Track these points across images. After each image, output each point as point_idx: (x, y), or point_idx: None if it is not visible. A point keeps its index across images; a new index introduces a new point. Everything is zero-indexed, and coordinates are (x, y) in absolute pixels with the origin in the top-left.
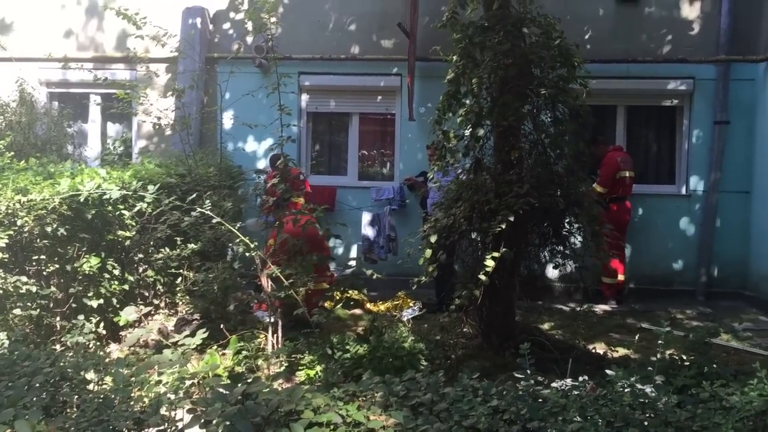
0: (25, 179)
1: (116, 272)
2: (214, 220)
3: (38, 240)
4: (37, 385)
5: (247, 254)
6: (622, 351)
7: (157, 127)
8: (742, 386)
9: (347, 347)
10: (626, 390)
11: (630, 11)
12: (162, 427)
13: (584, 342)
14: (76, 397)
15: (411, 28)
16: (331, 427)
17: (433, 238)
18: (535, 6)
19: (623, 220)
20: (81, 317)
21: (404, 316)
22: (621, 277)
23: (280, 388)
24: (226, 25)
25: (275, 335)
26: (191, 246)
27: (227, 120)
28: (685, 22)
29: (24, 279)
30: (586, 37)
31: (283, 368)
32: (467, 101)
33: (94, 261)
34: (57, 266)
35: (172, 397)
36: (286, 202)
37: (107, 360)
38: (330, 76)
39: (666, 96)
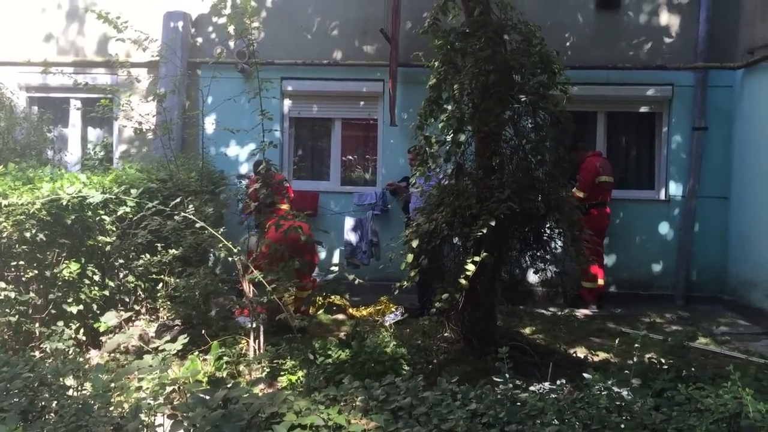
0: (4, 184)
1: (96, 278)
2: (197, 225)
3: (17, 245)
4: (16, 390)
5: (230, 259)
6: (602, 355)
7: (138, 132)
8: (717, 389)
9: (329, 352)
10: (603, 393)
11: (610, 18)
12: None
13: (565, 346)
14: (55, 402)
15: (393, 33)
16: (313, 430)
17: (414, 243)
18: (516, 13)
19: (603, 225)
20: (60, 323)
21: (387, 321)
22: (601, 281)
23: (261, 393)
24: (208, 30)
25: (257, 341)
26: (172, 251)
27: (209, 125)
28: (664, 29)
29: (2, 285)
30: (567, 44)
31: (264, 374)
32: (449, 107)
33: (74, 267)
34: (36, 272)
35: (152, 402)
36: (269, 207)
37: (87, 366)
38: (312, 82)
39: (645, 102)
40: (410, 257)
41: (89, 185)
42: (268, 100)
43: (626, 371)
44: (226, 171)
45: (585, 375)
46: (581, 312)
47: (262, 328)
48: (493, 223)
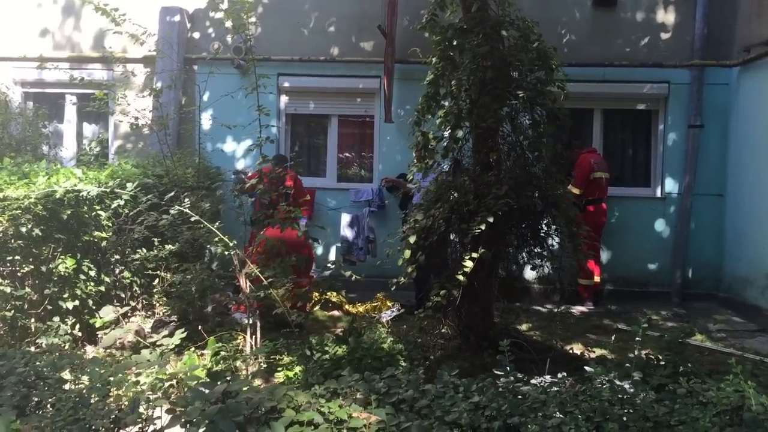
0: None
1: (92, 273)
2: (192, 218)
3: (12, 240)
4: (11, 384)
5: (226, 254)
6: (599, 351)
7: (134, 127)
8: (719, 382)
9: (326, 348)
10: (605, 386)
11: (606, 15)
12: (140, 426)
13: (562, 343)
14: (52, 396)
15: (389, 30)
16: (313, 426)
17: (412, 239)
18: (514, 9)
19: (599, 221)
20: (56, 319)
21: (383, 317)
22: (597, 278)
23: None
24: (205, 25)
25: (253, 336)
26: (168, 247)
27: (205, 121)
28: (661, 26)
29: None
30: (563, 40)
31: (261, 369)
32: (446, 103)
33: (70, 262)
34: (32, 267)
35: (151, 396)
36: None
37: (83, 360)
38: (309, 78)
39: (642, 100)
40: (408, 253)
41: (85, 180)
42: (264, 96)
43: (627, 365)
44: (222, 167)
45: (586, 368)
46: (577, 309)
47: (258, 324)
48: (491, 220)
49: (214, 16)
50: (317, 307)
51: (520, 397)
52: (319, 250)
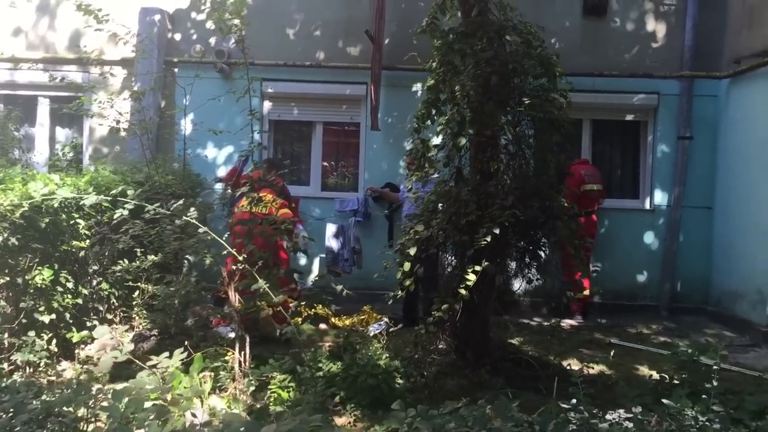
0: None
1: (69, 285)
2: (200, 230)
3: None
4: (21, 425)
5: (215, 267)
6: (597, 368)
7: (116, 131)
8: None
9: (320, 365)
10: (690, 422)
11: (596, 25)
12: None
13: (557, 358)
14: None
15: (377, 35)
16: None
17: (412, 251)
18: (516, 14)
19: (590, 234)
20: (32, 333)
21: (371, 331)
22: (587, 291)
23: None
24: (186, 26)
25: (242, 352)
26: (151, 257)
27: (186, 126)
28: (651, 37)
29: None
30: (553, 49)
31: (252, 388)
32: (446, 109)
33: (47, 273)
34: (8, 279)
35: None
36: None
37: (100, 395)
38: (294, 83)
39: (631, 110)
40: (407, 266)
41: (62, 186)
42: (245, 101)
43: (704, 396)
44: (202, 174)
45: (664, 401)
46: (567, 322)
47: (248, 339)
48: (497, 231)
49: (195, 17)
50: (304, 321)
51: None
52: (302, 261)
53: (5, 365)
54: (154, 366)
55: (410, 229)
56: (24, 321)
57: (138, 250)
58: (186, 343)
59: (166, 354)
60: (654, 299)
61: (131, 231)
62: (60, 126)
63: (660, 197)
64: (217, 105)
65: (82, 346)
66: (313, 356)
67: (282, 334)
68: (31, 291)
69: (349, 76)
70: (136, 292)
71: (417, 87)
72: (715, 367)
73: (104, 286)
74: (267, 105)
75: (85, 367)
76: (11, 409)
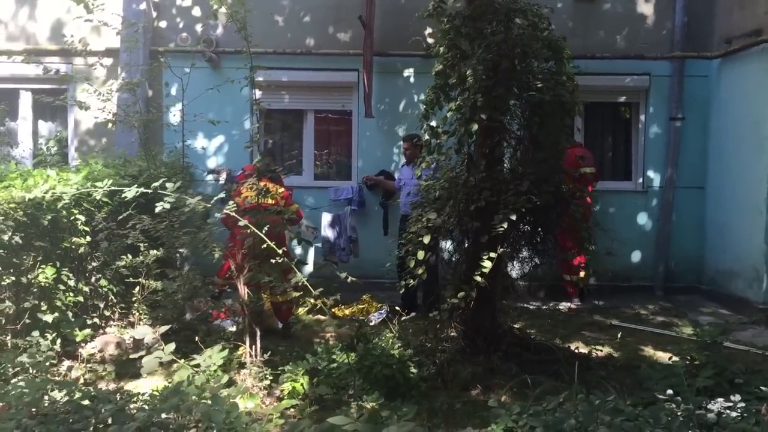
0: None
1: (71, 283)
2: (241, 223)
3: None
4: None
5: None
6: (605, 350)
7: (106, 124)
8: None
9: (333, 357)
10: None
11: (587, 7)
12: None
13: (562, 341)
14: None
15: (368, 21)
16: None
17: (426, 239)
18: None
19: (586, 216)
20: (35, 333)
21: (372, 319)
22: (582, 273)
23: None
24: (172, 14)
25: (253, 346)
26: (154, 252)
27: (174, 116)
28: (641, 18)
29: None
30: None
31: (267, 381)
32: (455, 94)
33: (50, 272)
34: (13, 278)
35: None
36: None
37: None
38: (284, 71)
39: (622, 92)
40: (421, 254)
41: (60, 182)
42: (236, 90)
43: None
44: (193, 164)
45: (762, 388)
46: (564, 305)
47: (258, 332)
48: (513, 217)
49: (181, 4)
50: (304, 312)
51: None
52: (298, 250)
53: (9, 366)
54: (197, 365)
55: (422, 217)
56: (27, 321)
57: (142, 245)
58: (197, 338)
59: (209, 352)
60: (648, 280)
61: (139, 226)
62: (42, 119)
63: (652, 178)
64: (207, 95)
65: (82, 344)
66: (326, 348)
67: (288, 326)
68: (35, 290)
69: (340, 63)
70: (136, 288)
71: (409, 72)
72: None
73: (103, 282)
74: (257, 93)
75: (89, 365)
76: (109, 419)
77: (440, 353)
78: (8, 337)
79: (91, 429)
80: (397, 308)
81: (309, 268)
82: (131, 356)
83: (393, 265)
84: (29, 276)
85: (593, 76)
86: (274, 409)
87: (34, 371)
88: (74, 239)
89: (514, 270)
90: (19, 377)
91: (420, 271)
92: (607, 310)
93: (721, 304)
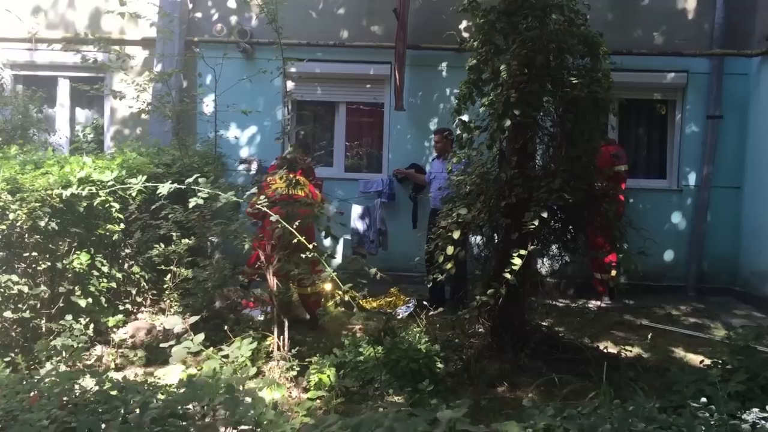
0: (10, 168)
1: (104, 269)
2: (272, 218)
3: (27, 236)
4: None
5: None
6: (634, 350)
7: (140, 113)
8: None
9: (360, 350)
10: None
11: (625, 3)
12: None
13: (591, 340)
14: None
15: (401, 13)
16: None
17: (456, 234)
18: None
19: (618, 214)
20: (69, 317)
21: (399, 313)
22: (614, 272)
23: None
24: (207, 5)
25: (281, 336)
26: (185, 241)
27: (207, 106)
28: (680, 14)
29: (15, 278)
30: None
31: (294, 372)
32: (488, 89)
33: (84, 257)
34: (48, 264)
35: None
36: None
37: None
38: (317, 63)
39: (659, 89)
40: (450, 249)
41: (95, 170)
42: (268, 81)
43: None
44: (225, 154)
45: None
46: (594, 304)
47: (286, 323)
48: (545, 215)
49: None
50: (332, 304)
51: None
52: (327, 242)
53: (43, 350)
54: (226, 356)
55: (452, 211)
56: (61, 305)
57: (174, 234)
58: (226, 327)
59: (237, 343)
60: (681, 280)
61: (171, 217)
62: (80, 107)
63: (688, 177)
64: (239, 85)
65: (114, 329)
66: (353, 340)
67: (316, 318)
68: (69, 275)
69: (373, 56)
70: (168, 276)
71: (442, 66)
72: None
73: (135, 269)
74: (289, 85)
75: (120, 351)
76: (137, 409)
77: (467, 349)
78: (43, 321)
79: (120, 420)
80: (424, 302)
81: (337, 260)
82: (161, 345)
83: (421, 259)
84: (64, 261)
85: (630, 72)
86: (300, 405)
87: (67, 355)
88: (108, 226)
89: (544, 267)
90: (53, 360)
91: (449, 266)
92: (637, 309)
93: (755, 307)
